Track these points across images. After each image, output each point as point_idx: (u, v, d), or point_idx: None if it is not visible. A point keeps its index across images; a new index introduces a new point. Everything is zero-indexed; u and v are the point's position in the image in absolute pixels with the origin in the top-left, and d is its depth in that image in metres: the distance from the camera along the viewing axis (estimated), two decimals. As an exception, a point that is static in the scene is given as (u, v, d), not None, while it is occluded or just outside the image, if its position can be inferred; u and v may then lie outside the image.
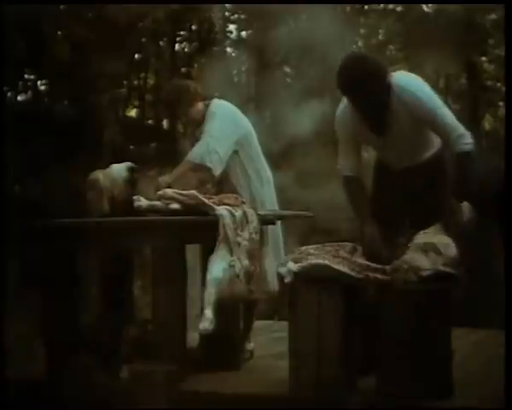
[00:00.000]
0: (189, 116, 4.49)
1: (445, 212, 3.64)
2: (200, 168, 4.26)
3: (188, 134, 4.65)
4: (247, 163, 4.41)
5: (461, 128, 3.63)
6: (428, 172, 3.80)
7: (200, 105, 4.46)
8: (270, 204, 4.46)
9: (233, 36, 12.73)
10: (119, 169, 4.27)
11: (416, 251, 3.47)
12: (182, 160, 4.42)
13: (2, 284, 4.25)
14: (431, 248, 3.48)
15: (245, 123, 4.47)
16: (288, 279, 3.49)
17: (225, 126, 4.33)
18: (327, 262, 3.45)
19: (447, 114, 3.64)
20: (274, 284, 4.18)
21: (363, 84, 3.56)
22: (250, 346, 4.40)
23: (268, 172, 4.53)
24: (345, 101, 3.79)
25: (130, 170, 4.27)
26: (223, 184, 4.31)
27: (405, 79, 3.71)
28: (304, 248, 3.63)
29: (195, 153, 4.26)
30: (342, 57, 3.68)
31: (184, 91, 4.49)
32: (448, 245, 3.52)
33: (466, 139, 3.60)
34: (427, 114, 3.62)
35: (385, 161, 3.96)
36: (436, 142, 3.81)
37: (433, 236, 3.55)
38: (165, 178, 4.24)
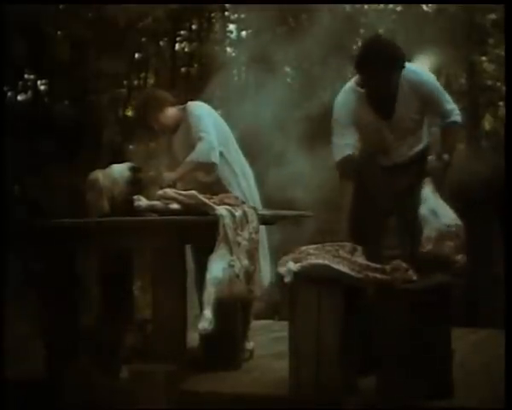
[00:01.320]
0: (160, 122, 4.49)
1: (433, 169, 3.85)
2: (205, 167, 4.27)
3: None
4: (232, 162, 4.43)
5: (453, 103, 3.96)
6: (414, 170, 3.95)
7: (171, 111, 4.48)
8: (258, 201, 4.48)
9: (233, 36, 12.72)
10: (121, 169, 4.27)
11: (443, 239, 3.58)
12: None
13: (2, 284, 4.25)
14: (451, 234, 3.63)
15: (222, 122, 4.52)
16: (287, 279, 3.49)
17: (212, 126, 4.36)
18: (327, 262, 3.45)
19: (444, 91, 3.98)
20: (265, 280, 4.26)
21: (382, 63, 3.76)
22: (250, 345, 4.40)
23: (248, 169, 4.56)
24: (348, 86, 3.98)
25: (132, 170, 4.27)
26: (215, 186, 4.31)
27: (413, 68, 3.96)
28: (304, 248, 3.63)
29: (200, 152, 4.27)
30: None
31: (151, 99, 4.51)
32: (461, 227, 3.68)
33: (458, 112, 3.96)
34: (429, 90, 3.90)
35: (374, 155, 4.04)
36: (423, 138, 4.04)
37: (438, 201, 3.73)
38: (169, 175, 4.25)
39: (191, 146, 4.30)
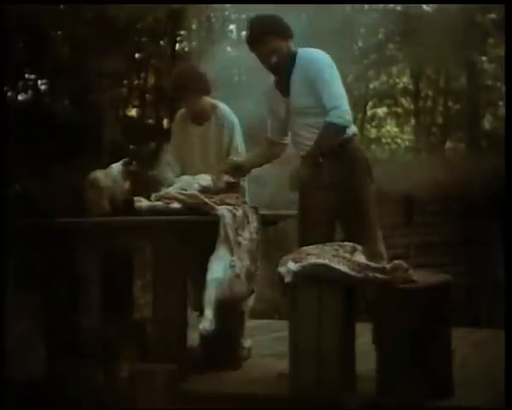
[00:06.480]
0: (192, 107, 4.41)
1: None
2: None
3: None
4: None
5: (339, 101, 3.72)
6: (340, 160, 3.83)
7: (205, 100, 4.42)
8: None
9: (233, 36, 12.73)
10: (118, 166, 4.27)
11: None
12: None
13: (3, 283, 4.25)
14: None
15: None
16: (287, 279, 3.49)
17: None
18: (327, 262, 3.45)
19: (333, 84, 3.76)
20: None
21: (265, 38, 3.86)
22: (247, 343, 4.39)
23: None
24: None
25: (124, 164, 4.28)
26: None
27: (309, 49, 3.92)
28: (304, 248, 3.63)
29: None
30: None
31: (190, 82, 4.35)
32: None
33: (340, 113, 3.70)
34: (316, 76, 3.76)
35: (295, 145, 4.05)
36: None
37: None
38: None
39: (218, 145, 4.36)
